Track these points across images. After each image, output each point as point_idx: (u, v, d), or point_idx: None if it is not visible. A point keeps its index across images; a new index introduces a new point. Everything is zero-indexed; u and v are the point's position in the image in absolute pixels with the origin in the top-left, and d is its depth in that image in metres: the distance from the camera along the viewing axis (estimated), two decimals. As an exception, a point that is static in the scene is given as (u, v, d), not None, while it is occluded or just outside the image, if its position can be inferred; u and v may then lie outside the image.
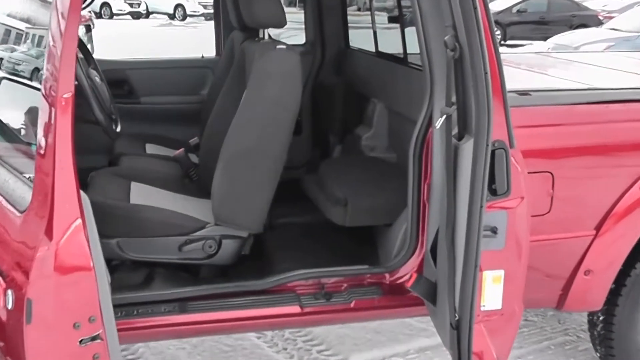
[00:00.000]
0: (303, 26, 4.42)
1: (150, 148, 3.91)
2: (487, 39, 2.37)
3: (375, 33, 4.01)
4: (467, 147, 2.41)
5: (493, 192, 2.50)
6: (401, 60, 3.57)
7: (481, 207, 2.43)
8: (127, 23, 26.21)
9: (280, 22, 2.90)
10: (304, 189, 3.39)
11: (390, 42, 3.81)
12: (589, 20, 18.80)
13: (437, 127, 2.50)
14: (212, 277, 2.90)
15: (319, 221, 3.18)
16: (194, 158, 3.51)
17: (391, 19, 4.12)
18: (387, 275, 2.89)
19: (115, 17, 28.16)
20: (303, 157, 4.24)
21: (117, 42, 14.95)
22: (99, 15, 26.36)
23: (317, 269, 2.85)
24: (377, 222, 3.08)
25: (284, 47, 2.69)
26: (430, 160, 2.69)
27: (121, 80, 4.30)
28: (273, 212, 2.88)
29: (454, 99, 2.46)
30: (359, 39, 4.29)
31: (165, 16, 28.65)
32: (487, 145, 2.40)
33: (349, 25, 4.37)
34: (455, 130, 2.51)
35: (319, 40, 4.35)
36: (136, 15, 29.06)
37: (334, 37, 4.35)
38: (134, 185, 3.11)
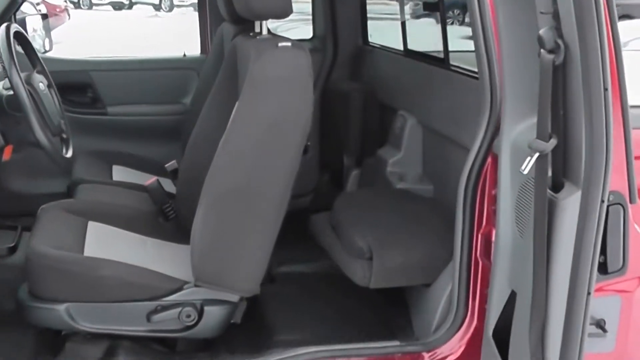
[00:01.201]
0: (308, 17, 4.23)
1: (119, 172, 3.63)
2: (608, 38, 1.82)
3: (403, 25, 3.72)
4: (570, 204, 1.93)
5: (602, 269, 2.06)
6: (440, 61, 3.23)
7: (588, 293, 1.95)
8: (107, 15, 26.12)
9: (285, 11, 2.47)
10: (313, 233, 3.07)
11: (424, 37, 3.59)
12: (635, 10, 18.10)
13: (525, 171, 1.91)
14: (192, 352, 2.64)
15: (332, 270, 2.89)
16: (172, 187, 3.20)
17: (427, 6, 3.85)
18: (425, 355, 2.57)
19: (95, 7, 28.08)
20: (310, 183, 4.05)
21: (83, 33, 14.38)
22: (77, 6, 26.10)
23: (331, 346, 2.56)
24: (410, 282, 2.78)
25: (289, 44, 2.34)
26: (489, 201, 2.37)
27: (84, 84, 4.09)
28: (272, 256, 2.59)
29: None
30: (382, 33, 4.12)
31: (150, 7, 28.62)
32: (603, 200, 1.90)
33: (368, 15, 4.12)
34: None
35: (331, 35, 4.11)
36: (118, 6, 29.02)
37: (349, 31, 4.12)
38: (92, 227, 2.80)
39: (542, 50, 1.88)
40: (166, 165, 3.27)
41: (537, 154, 1.92)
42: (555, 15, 1.88)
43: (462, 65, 3.05)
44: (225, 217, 2.40)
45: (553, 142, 1.90)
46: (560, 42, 1.86)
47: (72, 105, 4.00)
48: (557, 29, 1.86)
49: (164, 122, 4.10)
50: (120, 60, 4.34)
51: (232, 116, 2.36)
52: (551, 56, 1.86)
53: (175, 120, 4.01)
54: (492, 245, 2.35)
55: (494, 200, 2.34)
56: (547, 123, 1.90)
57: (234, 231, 2.42)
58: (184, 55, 4.36)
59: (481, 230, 2.42)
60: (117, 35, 15.80)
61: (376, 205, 3.15)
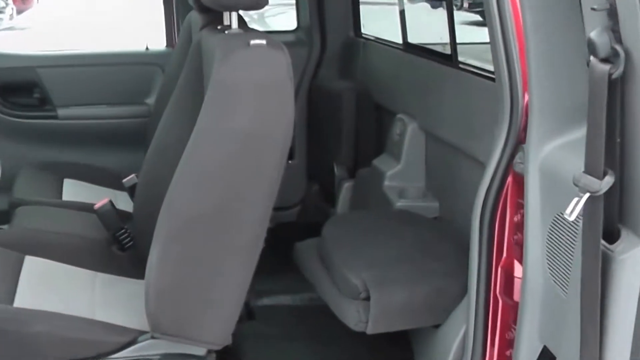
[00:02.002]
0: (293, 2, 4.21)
1: (71, 187, 3.53)
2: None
3: (402, 14, 3.65)
4: (631, 260, 1.69)
5: None
6: (447, 58, 3.15)
7: None
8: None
9: (257, 1, 2.38)
10: (298, 264, 2.96)
11: (426, 28, 3.63)
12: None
13: (572, 217, 1.68)
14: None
15: (323, 303, 2.78)
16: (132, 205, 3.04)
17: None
18: None
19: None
20: (296, 194, 4.05)
21: (52, 17, 14.70)
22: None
23: None
24: (416, 324, 2.67)
25: (263, 42, 2.19)
26: (510, 229, 2.24)
27: (29, 83, 4.01)
28: (250, 286, 2.44)
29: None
30: (377, 22, 4.14)
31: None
32: None
33: (361, 2, 4.10)
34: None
35: (317, 25, 4.08)
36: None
37: (338, 20, 4.10)
38: (29, 264, 2.66)
39: (592, 58, 1.60)
40: (124, 181, 3.18)
41: (587, 195, 1.66)
42: (612, 13, 1.60)
43: (472, 63, 3.00)
44: (187, 253, 2.26)
45: (609, 180, 1.64)
46: (618, 48, 1.59)
47: (15, 108, 3.98)
48: (615, 31, 1.59)
49: (125, 126, 4.04)
50: (72, 55, 4.28)
51: (195, 128, 2.22)
52: (606, 66, 1.59)
53: (138, 124, 3.92)
54: (515, 281, 2.26)
55: (516, 227, 2.23)
56: (600, 155, 1.65)
57: (199, 270, 2.28)
58: (147, 48, 4.28)
59: (501, 263, 2.29)
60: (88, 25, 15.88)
61: (372, 230, 3.01)
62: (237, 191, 2.23)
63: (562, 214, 1.84)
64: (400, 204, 3.28)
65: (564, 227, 1.93)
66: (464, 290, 2.44)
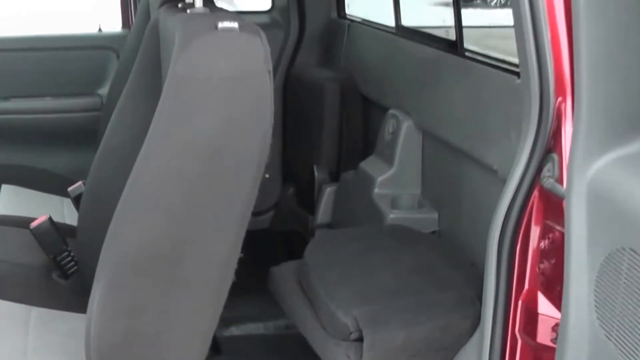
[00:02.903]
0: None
1: (10, 195, 3.46)
2: None
3: None
4: None
5: None
6: (450, 45, 3.10)
7: None
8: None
9: None
10: (275, 294, 2.87)
11: (424, 10, 3.59)
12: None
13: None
14: None
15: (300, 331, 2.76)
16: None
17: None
18: None
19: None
20: (268, 198, 3.99)
21: None
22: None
23: None
24: None
25: (235, 25, 2.06)
26: (535, 257, 2.12)
27: None
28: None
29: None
30: (364, 2, 4.11)
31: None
32: None
33: None
34: None
35: (295, 4, 4.05)
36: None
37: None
38: None
39: None
40: (70, 189, 3.08)
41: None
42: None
43: (481, 52, 2.91)
44: (136, 302, 2.15)
45: None
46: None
47: None
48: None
49: (74, 121, 3.98)
50: (10, 39, 4.20)
51: (147, 135, 2.10)
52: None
53: (89, 118, 3.90)
54: (539, 318, 2.16)
55: (541, 254, 2.13)
56: None
57: (151, 321, 2.18)
58: (99, 30, 4.25)
59: (522, 296, 2.16)
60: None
61: (364, 252, 2.89)
62: (200, 219, 2.10)
63: (626, 249, 1.75)
64: (393, 215, 3.20)
65: (625, 266, 1.80)
66: (473, 327, 2.36)
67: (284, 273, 2.92)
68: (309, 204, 3.79)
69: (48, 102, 4.00)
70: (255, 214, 3.77)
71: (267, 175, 2.29)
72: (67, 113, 4.00)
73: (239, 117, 2.06)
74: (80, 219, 2.83)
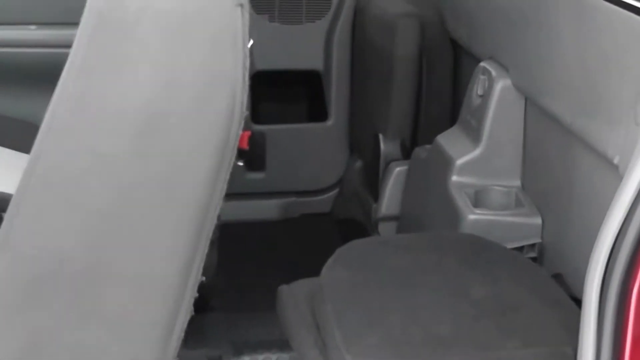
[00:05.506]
0: None
1: None
2: None
3: None
4: None
5: None
6: None
7: None
8: None
9: None
10: (282, 322, 2.58)
11: None
12: None
13: None
14: None
15: None
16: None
17: None
18: None
19: None
20: (332, 171, 3.84)
21: None
22: None
23: None
24: None
25: None
26: None
27: None
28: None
29: None
30: None
31: None
32: None
33: None
34: None
35: None
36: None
37: None
38: None
39: None
40: None
41: None
42: None
43: None
44: (37, 332, 2.06)
45: None
46: None
47: None
48: None
49: (62, 59, 3.61)
50: None
51: (54, 96, 1.89)
52: None
53: None
54: None
55: None
56: None
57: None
58: None
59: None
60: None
61: (407, 277, 2.49)
62: (127, 222, 1.91)
63: None
64: (474, 216, 2.79)
65: None
66: None
67: (294, 295, 2.56)
68: (374, 186, 3.48)
69: (29, 33, 3.64)
70: (313, 192, 3.81)
71: (240, 163, 2.19)
72: (56, 48, 3.47)
73: (186, 73, 1.84)
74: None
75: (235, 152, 1.92)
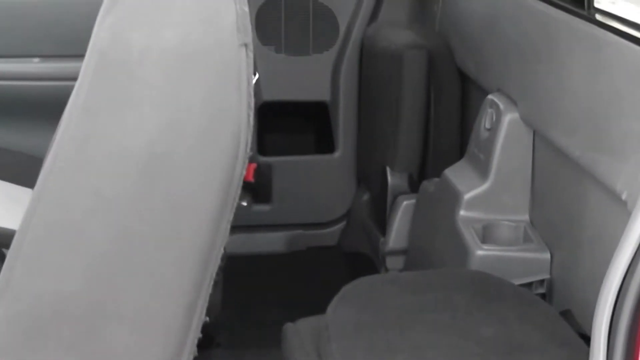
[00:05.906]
0: None
1: None
2: None
3: None
4: None
5: None
6: (576, 1, 2.71)
7: None
8: None
9: None
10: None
11: None
12: None
13: None
14: None
15: None
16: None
17: None
18: None
19: None
20: (340, 203, 3.85)
21: None
22: None
23: None
24: None
25: None
26: None
27: None
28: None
29: None
30: None
31: None
32: None
33: None
34: None
35: None
36: None
37: None
38: None
39: None
40: None
41: None
42: None
43: (620, 15, 2.53)
44: None
45: None
46: None
47: None
48: None
49: (66, 91, 3.62)
50: None
51: (56, 135, 1.91)
52: None
53: None
54: None
55: None
56: None
57: None
58: None
59: None
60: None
61: (414, 316, 2.48)
62: (129, 265, 1.90)
63: None
64: (482, 252, 2.77)
65: None
66: None
67: (300, 333, 2.53)
68: (381, 219, 3.46)
69: (34, 66, 3.66)
70: (321, 225, 3.79)
71: (244, 203, 2.10)
72: (59, 81, 3.59)
73: (190, 113, 1.84)
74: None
75: (239, 192, 1.93)
